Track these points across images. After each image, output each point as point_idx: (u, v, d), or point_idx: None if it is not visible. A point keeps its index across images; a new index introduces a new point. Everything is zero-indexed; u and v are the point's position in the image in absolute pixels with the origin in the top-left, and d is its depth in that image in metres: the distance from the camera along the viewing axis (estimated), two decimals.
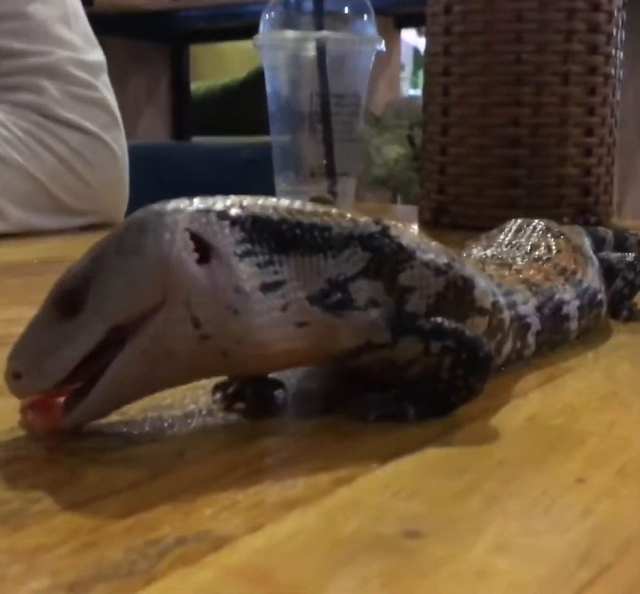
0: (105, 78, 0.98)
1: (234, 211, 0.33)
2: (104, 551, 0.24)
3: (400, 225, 0.38)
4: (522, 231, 0.50)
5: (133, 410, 0.34)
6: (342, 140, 1.06)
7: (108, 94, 0.97)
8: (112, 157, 0.96)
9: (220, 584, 0.23)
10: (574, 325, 0.45)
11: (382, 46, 1.07)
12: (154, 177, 1.61)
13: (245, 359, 0.33)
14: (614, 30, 0.90)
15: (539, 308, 0.43)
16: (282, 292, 0.33)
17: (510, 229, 0.51)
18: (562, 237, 0.50)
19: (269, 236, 0.33)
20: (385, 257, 0.35)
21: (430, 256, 0.36)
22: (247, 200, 0.35)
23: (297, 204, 0.35)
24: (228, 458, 0.31)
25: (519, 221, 0.52)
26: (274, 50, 1.06)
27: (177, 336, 0.31)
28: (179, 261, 0.31)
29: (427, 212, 0.97)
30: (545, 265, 0.46)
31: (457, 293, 0.37)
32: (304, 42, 1.04)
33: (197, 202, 0.33)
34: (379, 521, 0.26)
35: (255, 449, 0.32)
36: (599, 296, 0.47)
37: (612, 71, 0.91)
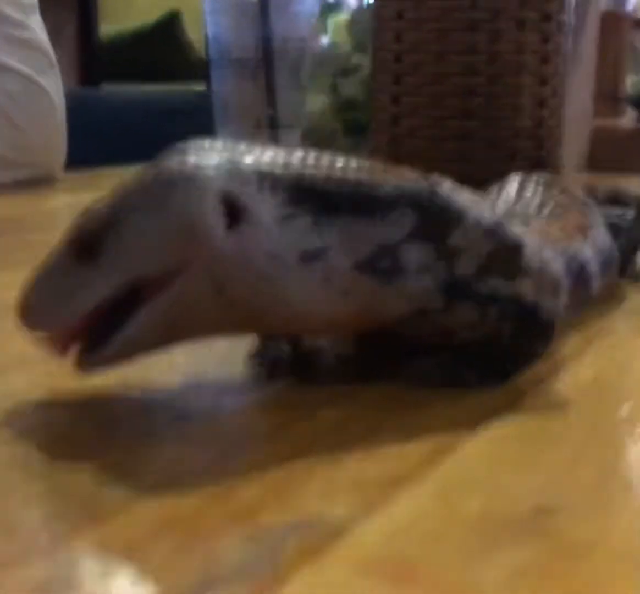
0: (38, 18, 0.92)
1: (275, 170, 0.31)
2: (211, 547, 0.22)
3: (447, 181, 0.36)
4: (525, 187, 0.49)
5: (172, 380, 0.32)
6: (287, 89, 1.03)
7: (43, 34, 0.90)
8: (49, 104, 0.90)
9: (361, 586, 0.20)
10: (595, 284, 0.44)
11: None
12: (72, 126, 1.54)
13: (277, 325, 0.32)
14: None
15: (567, 267, 0.41)
16: (325, 259, 0.31)
17: (512, 185, 0.49)
18: (566, 192, 0.48)
19: (313, 198, 0.31)
20: (435, 217, 0.33)
21: (480, 215, 0.34)
22: (285, 154, 0.32)
23: (339, 159, 0.33)
24: (301, 431, 0.29)
25: (518, 175, 0.50)
26: None
27: (199, 301, 0.30)
28: (205, 226, 0.29)
29: None
30: (559, 222, 0.44)
31: (508, 253, 0.35)
32: None
33: (233, 155, 0.31)
34: (502, 498, 0.25)
35: (327, 421, 0.30)
36: (614, 254, 0.47)
37: (565, 18, 0.90)
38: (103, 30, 2.47)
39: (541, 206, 0.46)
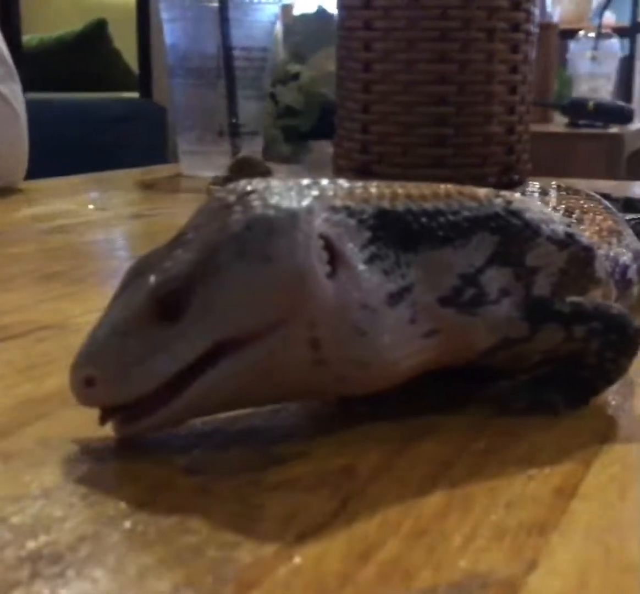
0: None
1: (360, 206, 0.29)
2: None
3: (514, 194, 0.35)
4: (547, 194, 0.48)
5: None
6: (249, 98, 1.01)
7: (1, 43, 0.86)
8: (11, 113, 0.86)
9: None
10: (635, 290, 0.43)
11: None
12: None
13: (361, 384, 0.29)
14: None
15: (611, 273, 0.40)
16: (410, 300, 0.29)
17: (533, 192, 0.48)
18: (589, 197, 0.47)
19: (395, 233, 0.29)
20: (513, 238, 0.32)
21: (553, 228, 0.33)
22: (363, 188, 0.30)
23: (411, 186, 0.31)
24: (403, 472, 0.27)
25: (536, 184, 0.49)
26: (172, 2, 0.99)
27: (290, 358, 0.27)
28: (313, 274, 0.27)
29: (347, 173, 0.93)
30: (592, 226, 0.43)
31: (579, 266, 0.34)
32: None
33: (321, 194, 0.28)
34: None
35: (426, 458, 0.28)
36: None
37: (531, 28, 0.90)
38: (26, 39, 2.40)
39: (568, 211, 0.44)
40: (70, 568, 0.22)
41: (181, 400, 0.27)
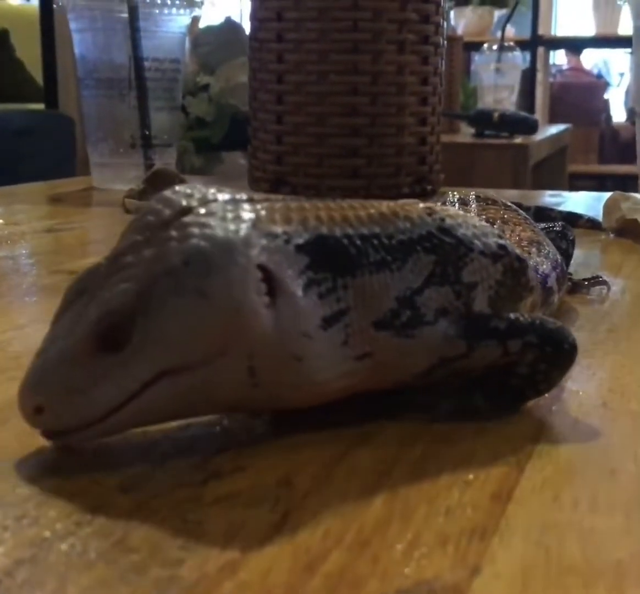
0: None
1: (298, 231, 0.29)
2: None
3: (441, 206, 0.35)
4: (467, 205, 0.48)
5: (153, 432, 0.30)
6: (162, 109, 1.00)
7: None
8: None
9: None
10: (556, 298, 0.44)
11: (199, 9, 1.02)
12: None
13: (295, 401, 0.30)
14: (441, 0, 0.91)
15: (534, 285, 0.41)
16: (343, 322, 0.29)
17: (453, 203, 0.49)
18: (507, 208, 0.48)
19: (332, 257, 0.29)
20: (448, 256, 0.32)
21: (485, 241, 0.33)
22: (299, 209, 0.30)
23: (347, 206, 0.31)
24: (342, 480, 0.27)
25: (455, 193, 0.50)
26: (81, 12, 0.97)
27: (228, 383, 0.28)
28: (250, 308, 0.27)
29: (263, 184, 0.93)
30: (512, 237, 0.44)
31: (514, 276, 0.34)
32: (114, 2, 0.96)
33: (257, 217, 0.28)
34: (598, 542, 0.24)
35: (362, 468, 0.28)
36: (565, 268, 0.47)
37: (440, 40, 0.92)
38: None
39: (489, 222, 0.45)
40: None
41: (118, 416, 0.27)
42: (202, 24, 2.05)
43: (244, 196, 0.30)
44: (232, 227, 0.27)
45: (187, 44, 1.49)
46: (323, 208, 0.30)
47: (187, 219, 0.28)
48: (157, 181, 0.85)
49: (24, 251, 0.69)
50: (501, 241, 0.34)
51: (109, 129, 0.99)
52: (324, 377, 0.29)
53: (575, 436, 0.31)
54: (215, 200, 0.29)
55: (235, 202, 0.29)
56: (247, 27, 1.27)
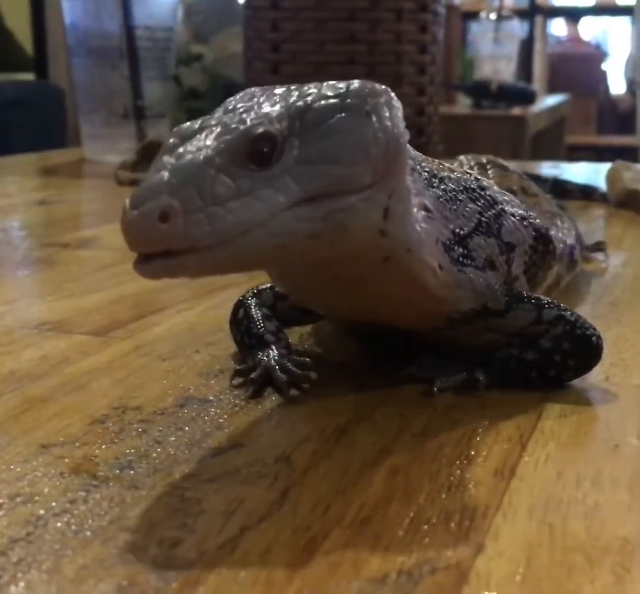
0: None
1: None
2: None
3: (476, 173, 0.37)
4: (485, 169, 0.47)
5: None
6: (154, 79, 0.99)
7: None
8: None
9: None
10: (578, 268, 0.45)
11: None
12: None
13: (396, 275, 0.30)
14: None
15: (561, 255, 0.41)
16: (433, 225, 0.31)
17: (470, 165, 0.47)
18: (523, 177, 0.47)
19: (414, 178, 0.31)
20: (488, 210, 0.34)
21: (513, 206, 0.35)
22: None
23: None
24: (341, 460, 0.27)
25: (469, 157, 0.49)
26: None
27: (364, 219, 0.28)
28: (405, 142, 0.29)
29: None
30: (536, 208, 0.43)
31: (544, 243, 0.36)
32: None
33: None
34: (600, 518, 0.23)
35: (363, 443, 0.27)
36: (581, 238, 0.48)
37: (439, 9, 0.90)
38: None
39: (511, 190, 0.44)
40: (3, 573, 0.21)
41: (250, 237, 0.25)
42: None
43: None
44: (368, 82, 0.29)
45: (180, 13, 1.46)
46: None
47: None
48: (151, 152, 0.84)
49: (15, 224, 0.68)
50: (525, 208, 0.36)
51: (101, 100, 0.97)
52: (426, 258, 0.30)
53: (577, 412, 0.30)
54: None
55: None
56: None
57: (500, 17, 1.93)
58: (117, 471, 0.26)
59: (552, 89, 2.83)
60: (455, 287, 0.31)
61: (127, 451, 0.27)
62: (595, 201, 0.73)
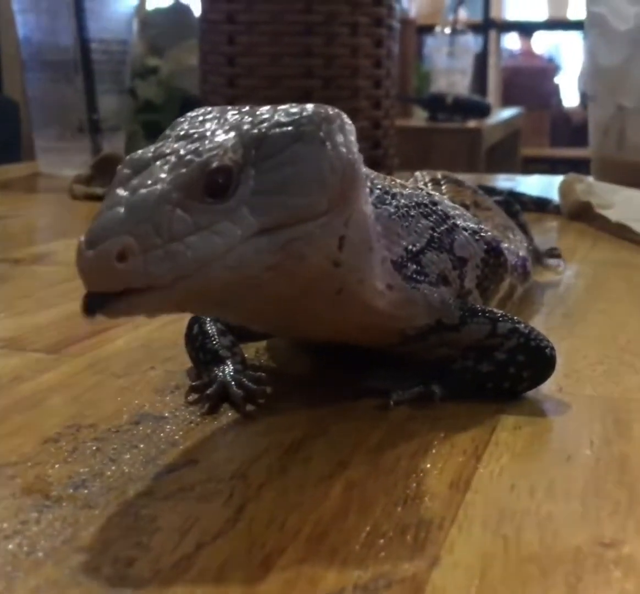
0: None
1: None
2: None
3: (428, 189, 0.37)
4: (439, 185, 0.47)
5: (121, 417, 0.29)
6: (110, 92, 0.98)
7: None
8: None
9: None
10: (531, 279, 0.46)
11: None
12: None
13: (345, 307, 0.30)
14: None
15: (514, 267, 0.41)
16: (381, 243, 0.31)
17: (425, 181, 0.48)
18: (477, 192, 0.48)
19: (373, 185, 0.31)
20: (441, 225, 0.34)
21: (465, 221, 0.36)
22: None
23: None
24: (297, 477, 0.27)
25: (424, 173, 0.49)
26: None
27: (319, 249, 0.27)
28: (360, 169, 0.29)
29: None
30: (489, 221, 0.44)
31: (496, 257, 0.37)
32: None
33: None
34: (552, 528, 0.23)
35: (319, 457, 0.28)
36: (536, 249, 0.49)
37: (394, 23, 0.91)
38: None
39: (464, 205, 0.45)
40: None
41: (207, 271, 0.25)
42: (149, 6, 2.01)
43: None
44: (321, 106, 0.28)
45: (135, 26, 1.46)
46: None
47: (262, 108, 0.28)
48: (106, 167, 0.84)
49: None
50: (477, 223, 0.36)
51: (55, 113, 0.97)
52: (375, 285, 0.30)
53: (531, 423, 0.31)
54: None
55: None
56: (196, 9, 1.25)
57: (454, 32, 1.95)
58: (71, 491, 0.25)
59: (506, 102, 2.86)
60: (409, 304, 0.31)
61: (81, 470, 0.27)
62: (549, 213, 0.74)
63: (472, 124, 1.71)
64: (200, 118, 0.28)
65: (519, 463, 0.28)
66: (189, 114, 0.29)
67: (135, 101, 1.84)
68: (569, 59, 3.54)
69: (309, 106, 0.28)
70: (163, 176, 0.25)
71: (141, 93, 1.83)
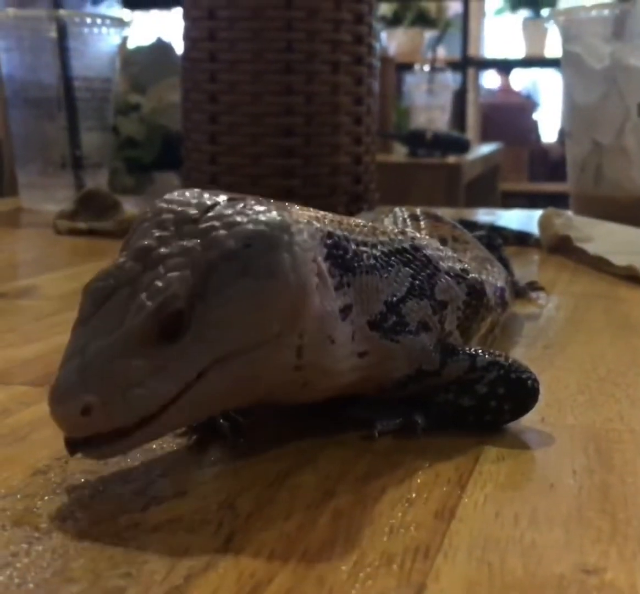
0: None
1: (313, 225, 0.30)
2: None
3: (414, 233, 0.37)
4: (418, 221, 0.48)
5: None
6: (92, 129, 0.99)
7: None
8: None
9: None
10: (509, 309, 0.46)
11: (127, 28, 1.01)
12: None
13: (314, 391, 0.30)
14: (373, 22, 0.92)
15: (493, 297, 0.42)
16: (350, 317, 0.31)
17: (404, 217, 0.49)
18: (456, 227, 0.49)
19: (339, 254, 0.31)
20: (421, 271, 0.34)
21: (449, 264, 0.36)
22: (299, 207, 0.31)
23: (331, 215, 0.33)
24: (284, 502, 0.27)
25: (403, 209, 0.50)
26: (8, 31, 0.96)
27: (277, 365, 0.28)
28: (311, 286, 0.28)
29: None
30: (466, 254, 0.44)
31: (477, 297, 0.37)
32: (42, 21, 0.95)
33: (293, 213, 0.29)
34: (537, 555, 0.24)
35: (306, 487, 0.28)
36: (512, 281, 0.49)
37: (373, 61, 0.93)
38: None
39: (441, 239, 0.46)
40: None
41: (172, 410, 0.26)
42: (131, 44, 2.03)
43: (246, 196, 0.30)
44: (272, 214, 0.28)
45: (118, 63, 1.48)
46: (317, 211, 0.32)
47: (218, 212, 0.28)
48: (89, 202, 0.84)
49: None
50: (461, 265, 0.36)
51: (38, 149, 0.97)
52: (342, 367, 0.30)
53: (514, 453, 0.31)
54: (231, 198, 0.29)
55: (245, 200, 0.29)
56: (178, 47, 1.27)
57: (433, 69, 1.98)
58: (60, 523, 0.25)
59: (485, 137, 2.90)
60: (388, 360, 0.32)
61: (70, 501, 0.27)
62: (530, 247, 0.75)
63: (451, 159, 1.73)
64: (159, 223, 0.28)
65: (503, 492, 0.28)
66: (156, 204, 0.29)
67: (117, 138, 1.86)
68: (546, 96, 3.60)
69: (261, 226, 0.27)
70: (118, 322, 0.26)
71: (123, 129, 1.84)
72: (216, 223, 0.28)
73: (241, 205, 0.28)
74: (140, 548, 0.24)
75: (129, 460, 0.30)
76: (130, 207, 0.88)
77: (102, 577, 0.23)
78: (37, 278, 0.63)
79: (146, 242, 0.28)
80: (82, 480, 0.28)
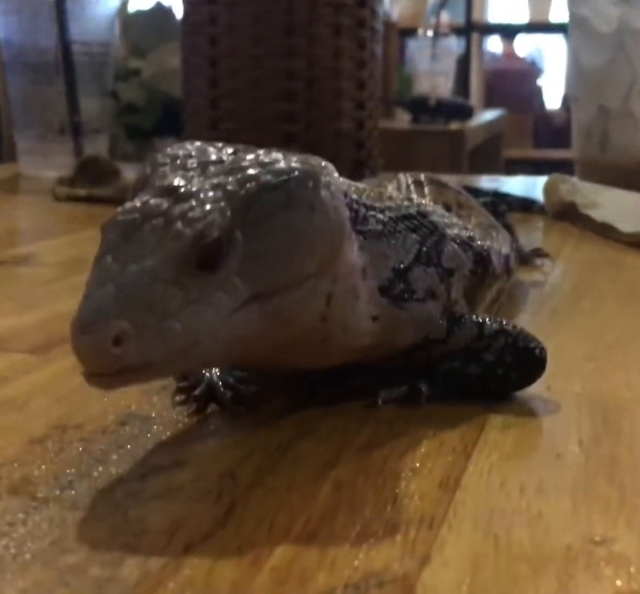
0: None
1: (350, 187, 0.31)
2: None
3: (422, 201, 0.37)
4: (422, 187, 0.47)
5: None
6: (92, 94, 0.98)
7: None
8: None
9: None
10: (513, 276, 0.46)
11: None
12: None
13: (332, 352, 0.30)
14: None
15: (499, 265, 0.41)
16: (367, 280, 0.30)
17: (408, 185, 0.48)
18: (460, 193, 0.48)
19: (353, 217, 0.30)
20: (428, 238, 0.33)
21: (455, 230, 0.35)
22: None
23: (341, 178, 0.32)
24: (285, 473, 0.26)
25: (407, 174, 0.49)
26: None
27: (308, 309, 0.28)
28: (348, 228, 0.29)
29: None
30: (471, 221, 0.44)
31: (484, 265, 0.36)
32: None
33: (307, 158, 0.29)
34: (543, 526, 0.23)
35: (308, 457, 0.27)
36: (517, 248, 0.49)
37: (377, 25, 0.91)
38: None
39: (446, 205, 0.45)
40: None
41: (205, 344, 0.25)
42: (131, 8, 2.01)
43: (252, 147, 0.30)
44: (302, 157, 0.28)
45: (117, 28, 1.45)
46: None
47: (242, 156, 0.28)
48: (89, 168, 0.83)
49: None
50: (467, 232, 0.36)
51: (37, 115, 0.96)
52: (359, 328, 0.30)
53: (520, 421, 0.31)
54: (247, 148, 0.29)
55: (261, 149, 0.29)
56: (178, 11, 1.25)
57: (437, 34, 1.95)
58: (57, 492, 0.25)
59: (488, 104, 2.87)
60: (396, 328, 0.31)
61: (68, 470, 0.26)
62: (534, 213, 0.74)
63: (454, 126, 1.71)
64: (181, 164, 0.27)
65: (509, 462, 0.28)
66: (169, 151, 0.29)
67: (117, 103, 1.84)
68: (551, 62, 3.55)
69: (296, 164, 0.27)
70: (154, 249, 0.24)
71: (123, 95, 1.83)
72: (246, 163, 0.27)
73: (262, 151, 0.28)
74: (138, 518, 0.24)
75: (127, 428, 0.29)
76: (130, 173, 0.87)
77: (100, 547, 0.22)
78: (36, 245, 0.63)
79: (171, 181, 0.27)
80: (80, 449, 0.28)
